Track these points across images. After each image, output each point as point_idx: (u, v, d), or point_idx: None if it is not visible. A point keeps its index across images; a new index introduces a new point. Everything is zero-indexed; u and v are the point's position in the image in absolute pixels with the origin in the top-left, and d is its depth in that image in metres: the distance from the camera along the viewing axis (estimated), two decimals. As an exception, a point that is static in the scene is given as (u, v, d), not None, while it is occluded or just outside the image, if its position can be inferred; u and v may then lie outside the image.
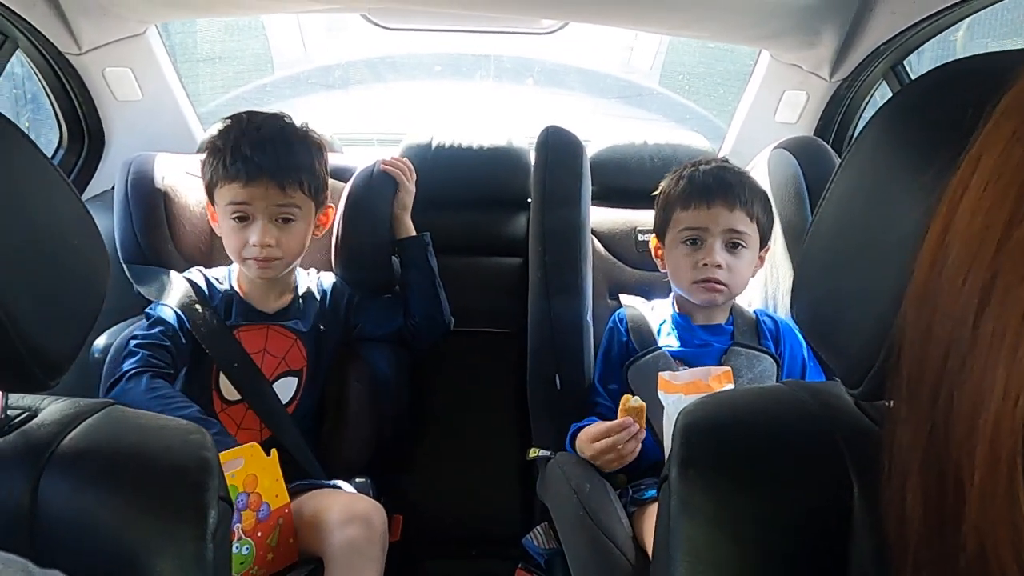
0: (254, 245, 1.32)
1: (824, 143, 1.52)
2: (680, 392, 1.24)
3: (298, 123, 1.40)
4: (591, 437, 1.24)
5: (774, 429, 0.61)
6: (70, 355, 0.64)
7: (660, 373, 1.28)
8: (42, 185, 0.64)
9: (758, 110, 1.87)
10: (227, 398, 1.37)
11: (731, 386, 1.24)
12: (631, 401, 1.21)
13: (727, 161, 1.46)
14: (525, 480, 1.64)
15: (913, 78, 1.56)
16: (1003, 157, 0.38)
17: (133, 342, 1.32)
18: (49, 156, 1.53)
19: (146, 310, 1.39)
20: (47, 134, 1.79)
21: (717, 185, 1.34)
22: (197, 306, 1.36)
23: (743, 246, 1.34)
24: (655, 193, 1.46)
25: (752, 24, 1.51)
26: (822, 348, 0.64)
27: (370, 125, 2.42)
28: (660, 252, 1.43)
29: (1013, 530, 0.36)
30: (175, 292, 1.39)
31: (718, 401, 0.65)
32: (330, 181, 1.61)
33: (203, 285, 1.41)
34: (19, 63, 1.62)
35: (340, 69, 2.66)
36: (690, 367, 1.34)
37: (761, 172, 1.54)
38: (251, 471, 1.14)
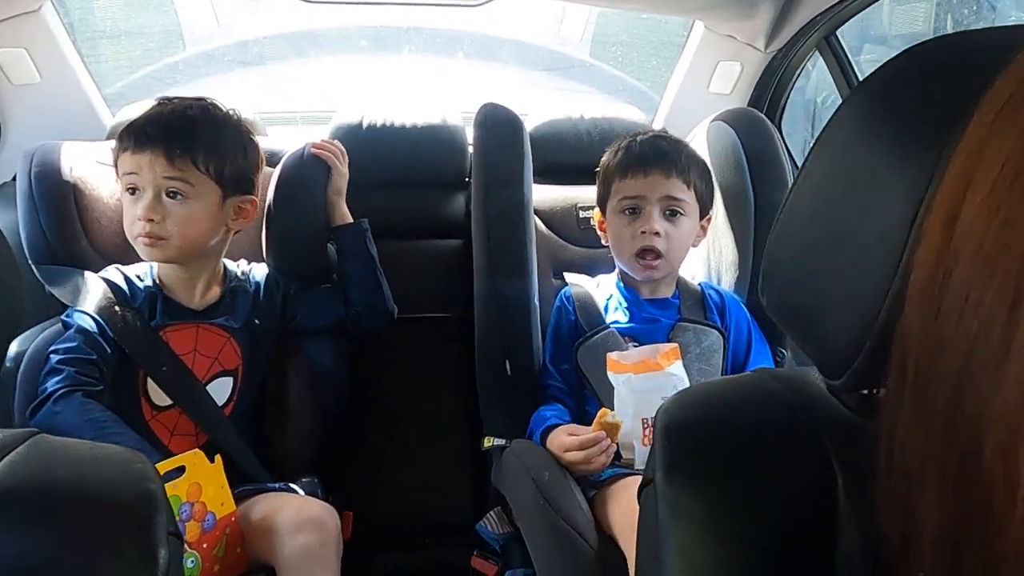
0: (139, 219, 1.24)
1: (761, 114, 1.53)
2: (629, 372, 1.24)
3: (225, 108, 1.32)
4: (563, 447, 1.22)
5: (755, 423, 0.60)
6: None
7: (608, 354, 1.27)
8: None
9: (692, 81, 1.87)
10: (157, 404, 1.28)
11: (679, 363, 1.25)
12: (607, 416, 1.19)
13: (665, 131, 1.46)
14: (477, 467, 1.62)
15: (843, 47, 1.60)
16: (1017, 151, 0.36)
17: (55, 357, 1.22)
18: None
19: (63, 318, 1.29)
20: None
21: (653, 153, 1.36)
22: (117, 308, 1.27)
23: (681, 213, 1.35)
24: (597, 169, 1.44)
25: (688, -5, 1.50)
26: (797, 337, 0.63)
27: (294, 103, 2.30)
28: (603, 225, 1.43)
29: None
30: (92, 295, 1.28)
31: (695, 398, 0.63)
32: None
33: (123, 284, 1.31)
34: None
35: (258, 45, 2.51)
36: (640, 343, 1.34)
37: (700, 144, 1.54)
38: (195, 479, 1.08)
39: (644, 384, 1.21)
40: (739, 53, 1.69)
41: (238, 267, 1.41)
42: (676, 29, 1.98)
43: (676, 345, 1.28)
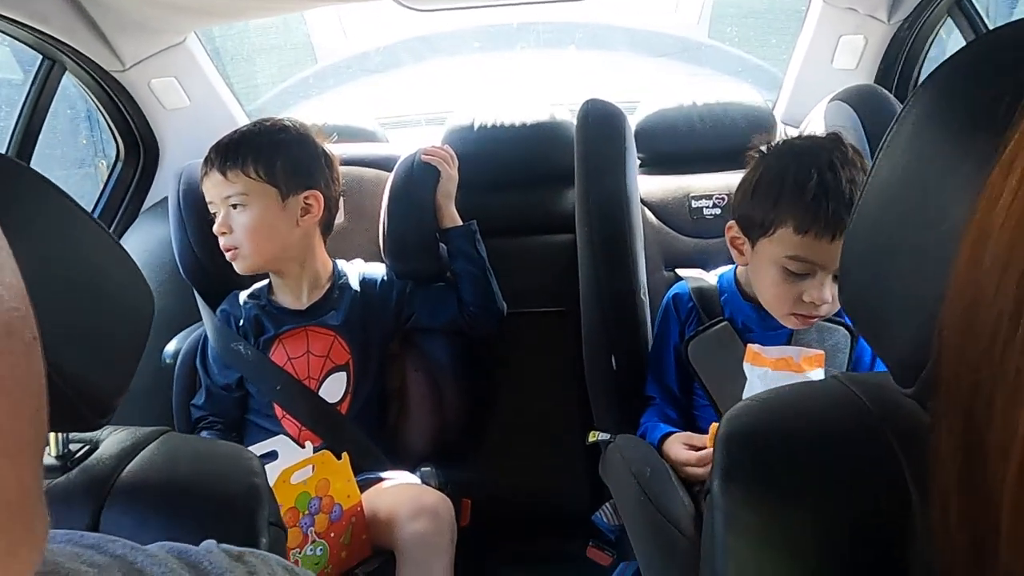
0: (218, 235, 1.38)
1: (884, 90, 1.43)
2: (768, 367, 1.19)
3: (275, 119, 1.45)
4: (681, 461, 1.20)
5: (820, 431, 0.58)
6: (117, 393, 0.66)
7: (749, 345, 1.22)
8: (79, 233, 0.66)
9: (814, 57, 1.77)
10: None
11: (821, 370, 1.17)
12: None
13: (845, 148, 1.18)
14: (591, 457, 1.63)
15: (977, 11, 1.45)
16: None
17: (195, 412, 1.43)
18: (110, 169, 1.59)
19: (198, 365, 1.46)
20: (106, 149, 1.84)
21: (848, 212, 1.15)
22: (232, 345, 1.41)
23: None
24: (747, 175, 1.24)
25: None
26: (871, 341, 0.61)
27: (414, 106, 2.41)
28: (741, 245, 1.25)
29: None
30: (212, 334, 1.44)
31: (763, 405, 0.62)
32: (375, 172, 1.63)
33: (236, 312, 1.45)
34: (72, 83, 1.68)
35: (379, 54, 2.64)
36: (757, 341, 1.28)
37: (817, 127, 1.46)
38: (322, 476, 1.16)
39: (779, 383, 1.13)
40: (862, 26, 1.58)
41: (351, 265, 1.51)
42: (796, 2, 1.88)
43: (822, 353, 1.19)
